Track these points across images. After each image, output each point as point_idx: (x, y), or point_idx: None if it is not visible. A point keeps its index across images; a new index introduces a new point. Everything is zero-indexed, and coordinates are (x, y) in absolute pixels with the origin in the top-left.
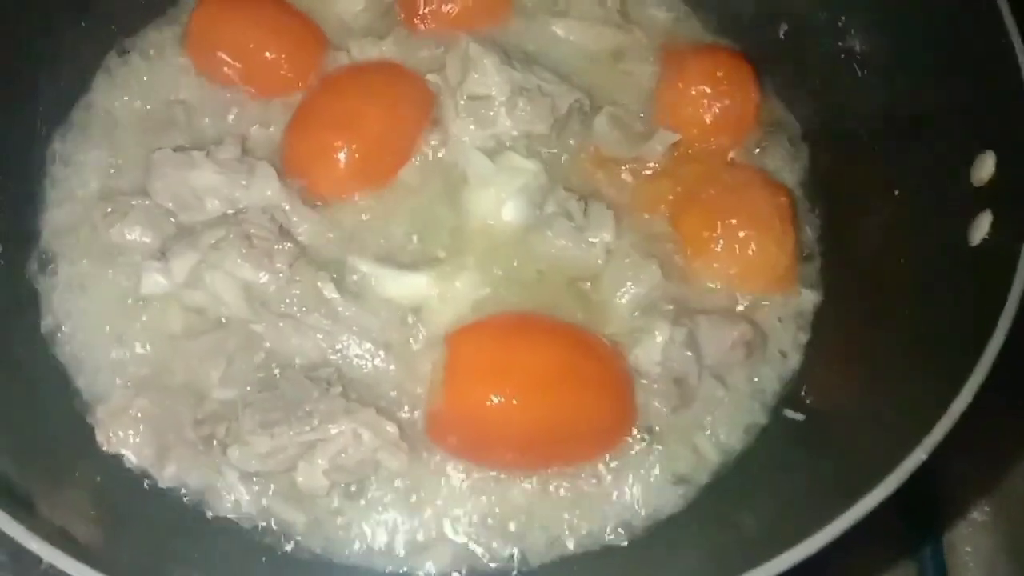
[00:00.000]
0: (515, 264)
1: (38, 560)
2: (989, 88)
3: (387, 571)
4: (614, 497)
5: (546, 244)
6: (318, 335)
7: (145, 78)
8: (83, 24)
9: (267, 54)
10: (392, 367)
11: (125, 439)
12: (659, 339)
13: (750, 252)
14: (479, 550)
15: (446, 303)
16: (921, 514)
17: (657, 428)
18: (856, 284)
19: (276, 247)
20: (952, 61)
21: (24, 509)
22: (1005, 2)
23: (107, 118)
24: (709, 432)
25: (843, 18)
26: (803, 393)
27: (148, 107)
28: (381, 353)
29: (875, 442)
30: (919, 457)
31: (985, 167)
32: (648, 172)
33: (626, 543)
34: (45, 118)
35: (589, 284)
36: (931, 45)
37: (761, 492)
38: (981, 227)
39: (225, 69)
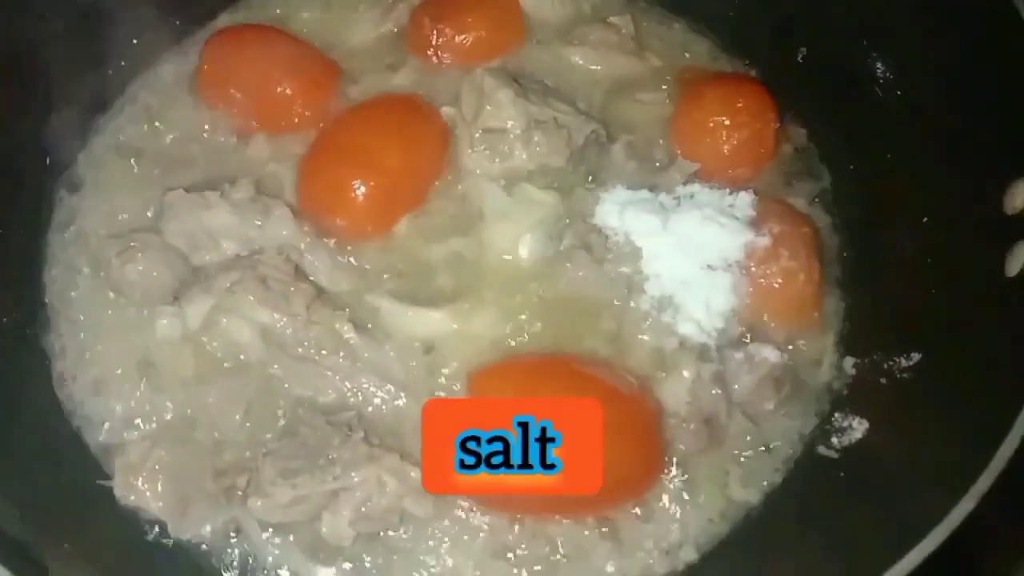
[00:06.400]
0: (535, 298)
1: None
2: (1021, 112)
3: None
4: (641, 542)
5: (566, 278)
6: (337, 377)
7: (157, 115)
8: (93, 59)
9: (280, 89)
10: (414, 409)
11: (144, 492)
12: (687, 376)
13: (776, 285)
14: None
15: (466, 340)
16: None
17: (685, 470)
18: (886, 315)
19: (292, 289)
20: (980, 84)
21: (36, 570)
22: None
23: (119, 155)
24: (740, 473)
25: (864, 41)
26: (836, 430)
27: (160, 144)
28: (402, 395)
29: (914, 487)
30: (966, 507)
31: (1019, 195)
32: None
33: None
34: (55, 155)
35: (612, 318)
36: (957, 68)
37: (796, 537)
38: (1018, 257)
39: (238, 106)
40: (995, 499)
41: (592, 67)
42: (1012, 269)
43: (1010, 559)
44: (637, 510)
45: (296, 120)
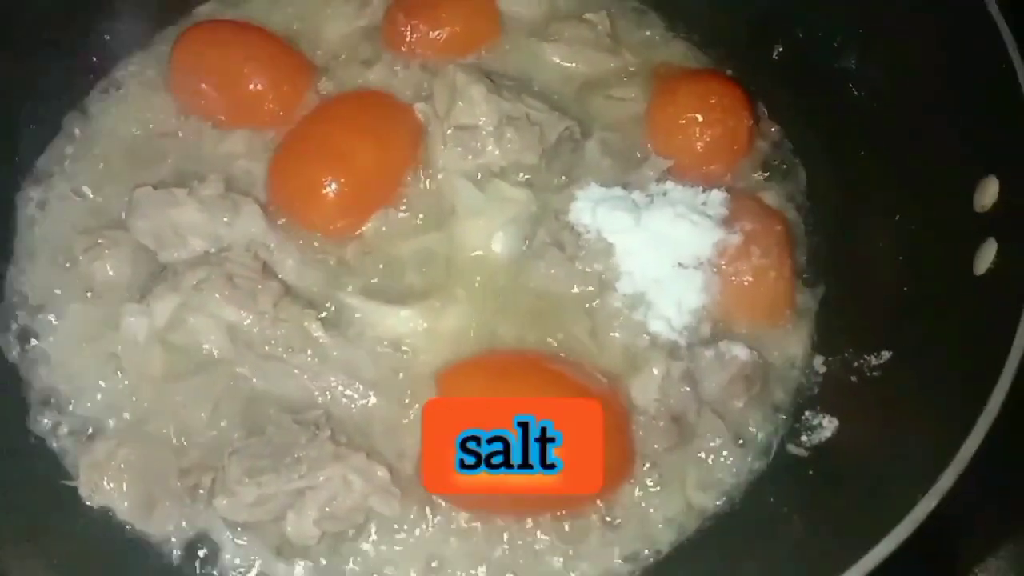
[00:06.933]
0: (506, 296)
1: None
2: (991, 110)
3: None
4: (609, 540)
5: (538, 275)
6: (305, 376)
7: (127, 111)
8: (64, 56)
9: (251, 86)
10: (382, 408)
11: (109, 492)
12: (656, 374)
13: (746, 283)
14: None
15: (436, 338)
16: (940, 563)
17: (654, 468)
18: (857, 314)
19: (259, 287)
20: (951, 82)
21: None
22: (1004, 23)
23: (88, 151)
24: (709, 471)
25: (839, 39)
26: (806, 428)
27: (130, 140)
28: (370, 393)
29: (881, 484)
30: (928, 505)
31: (988, 192)
32: None
33: None
34: (24, 151)
35: (583, 316)
36: (929, 66)
37: (764, 533)
38: (986, 255)
39: (208, 102)
40: (959, 495)
41: (567, 64)
42: (980, 267)
43: (974, 554)
44: (604, 508)
45: (268, 117)
